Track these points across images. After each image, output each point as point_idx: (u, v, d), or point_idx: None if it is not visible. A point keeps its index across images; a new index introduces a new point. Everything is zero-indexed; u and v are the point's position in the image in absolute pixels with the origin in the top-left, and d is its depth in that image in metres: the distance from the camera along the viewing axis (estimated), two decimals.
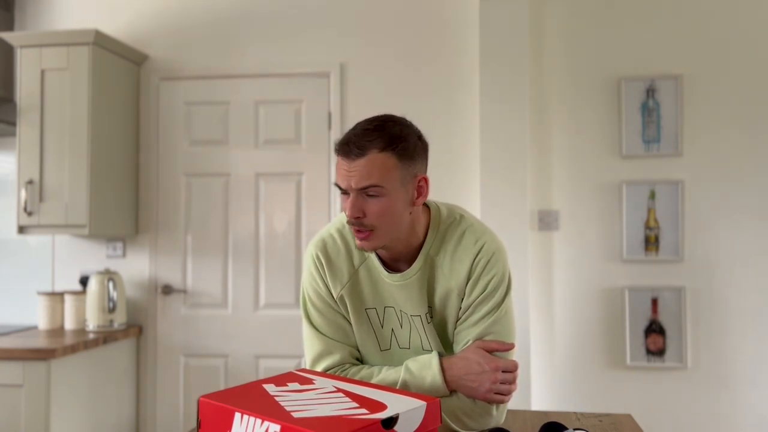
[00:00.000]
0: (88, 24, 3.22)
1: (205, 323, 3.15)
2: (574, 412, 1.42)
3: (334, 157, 3.07)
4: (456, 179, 2.96)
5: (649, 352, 2.88)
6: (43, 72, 2.89)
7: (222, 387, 3.11)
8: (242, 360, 3.11)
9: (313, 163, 3.11)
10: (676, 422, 2.85)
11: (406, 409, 1.00)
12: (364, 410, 1.00)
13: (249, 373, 3.09)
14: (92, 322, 2.96)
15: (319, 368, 1.37)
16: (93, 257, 3.21)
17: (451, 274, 1.33)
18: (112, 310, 2.98)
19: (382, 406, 1.01)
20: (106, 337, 2.88)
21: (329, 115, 3.10)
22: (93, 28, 2.89)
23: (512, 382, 1.34)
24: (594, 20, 2.98)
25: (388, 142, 1.23)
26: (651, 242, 2.89)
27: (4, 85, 3.16)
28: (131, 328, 3.09)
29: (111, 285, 2.97)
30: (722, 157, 2.88)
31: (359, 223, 1.25)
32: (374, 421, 0.95)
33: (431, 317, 1.35)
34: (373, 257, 1.36)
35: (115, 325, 2.99)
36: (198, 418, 1.09)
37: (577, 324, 2.94)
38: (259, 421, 0.97)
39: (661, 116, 2.91)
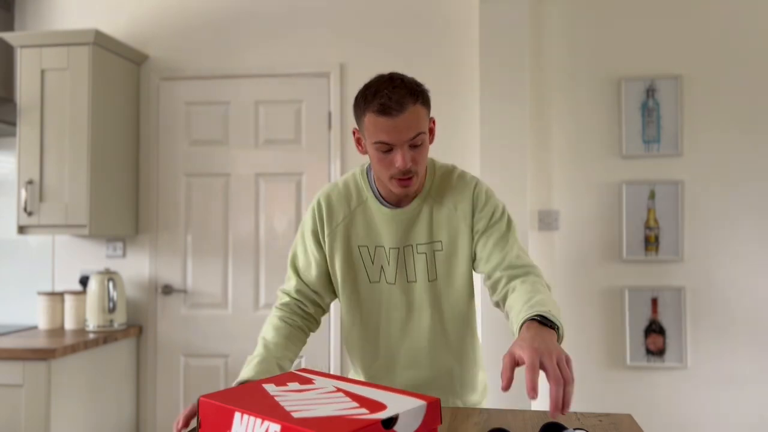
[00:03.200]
0: (88, 24, 3.23)
1: (205, 323, 3.15)
2: (574, 412, 1.42)
3: (334, 157, 3.07)
4: None
5: (649, 352, 2.88)
6: (43, 72, 2.89)
7: (222, 387, 3.11)
8: (242, 360, 3.11)
9: (313, 163, 3.11)
10: (676, 422, 2.85)
11: (406, 409, 1.00)
12: (364, 410, 1.00)
13: None
14: (92, 322, 2.97)
15: (284, 286, 1.58)
16: (93, 257, 3.21)
17: (455, 208, 1.48)
18: (112, 310, 2.98)
19: (382, 406, 1.01)
20: (106, 337, 2.88)
21: (329, 115, 3.10)
22: (93, 28, 2.89)
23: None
24: (594, 20, 2.98)
25: (415, 94, 1.37)
26: (651, 242, 2.89)
27: (4, 85, 3.17)
28: (131, 328, 3.09)
29: (111, 285, 2.98)
30: (722, 157, 2.88)
31: (408, 171, 1.38)
32: (374, 421, 0.95)
33: (439, 249, 1.48)
34: (372, 199, 1.51)
35: (115, 325, 2.99)
36: (198, 418, 1.09)
37: (577, 324, 2.94)
38: (259, 421, 0.97)
39: (661, 116, 2.91)
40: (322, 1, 3.13)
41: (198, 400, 1.09)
